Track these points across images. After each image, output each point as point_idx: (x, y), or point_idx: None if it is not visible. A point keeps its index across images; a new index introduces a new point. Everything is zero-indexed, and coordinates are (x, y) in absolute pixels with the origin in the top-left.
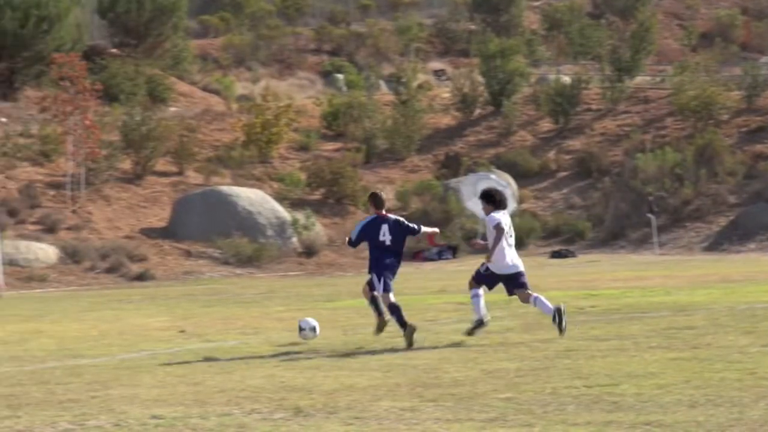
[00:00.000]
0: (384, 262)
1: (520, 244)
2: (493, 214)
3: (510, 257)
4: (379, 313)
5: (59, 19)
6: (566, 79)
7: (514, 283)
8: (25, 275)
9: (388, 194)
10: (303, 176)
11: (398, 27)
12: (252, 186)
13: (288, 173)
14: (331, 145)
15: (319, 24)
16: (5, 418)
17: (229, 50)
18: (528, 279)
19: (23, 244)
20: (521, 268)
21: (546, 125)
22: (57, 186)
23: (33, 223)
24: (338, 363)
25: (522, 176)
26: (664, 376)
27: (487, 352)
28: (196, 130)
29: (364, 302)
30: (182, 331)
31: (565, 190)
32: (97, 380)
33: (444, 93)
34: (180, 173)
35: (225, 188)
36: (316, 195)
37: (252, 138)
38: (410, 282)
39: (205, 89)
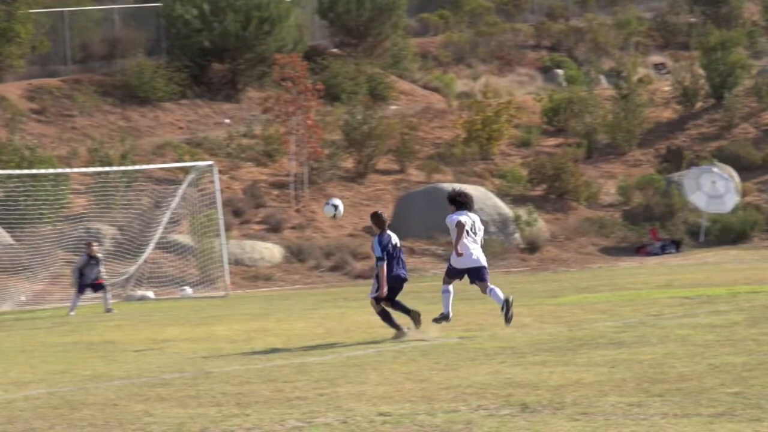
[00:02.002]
0: (399, 273)
1: (743, 238)
2: (453, 214)
3: (474, 253)
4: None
5: (280, 21)
6: None
7: (477, 275)
8: (250, 274)
9: (609, 189)
10: (524, 172)
11: (617, 21)
12: (474, 183)
13: (509, 169)
14: (552, 141)
15: (538, 20)
16: (234, 416)
17: (449, 47)
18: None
19: (248, 243)
20: (484, 263)
21: None
22: (280, 186)
23: (258, 222)
24: (564, 358)
25: (745, 169)
26: None
27: (714, 346)
28: (417, 128)
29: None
30: (407, 329)
31: None
32: (325, 378)
33: (665, 86)
34: (402, 171)
35: (447, 185)
36: (538, 191)
37: (473, 135)
38: (634, 277)
39: (425, 87)
